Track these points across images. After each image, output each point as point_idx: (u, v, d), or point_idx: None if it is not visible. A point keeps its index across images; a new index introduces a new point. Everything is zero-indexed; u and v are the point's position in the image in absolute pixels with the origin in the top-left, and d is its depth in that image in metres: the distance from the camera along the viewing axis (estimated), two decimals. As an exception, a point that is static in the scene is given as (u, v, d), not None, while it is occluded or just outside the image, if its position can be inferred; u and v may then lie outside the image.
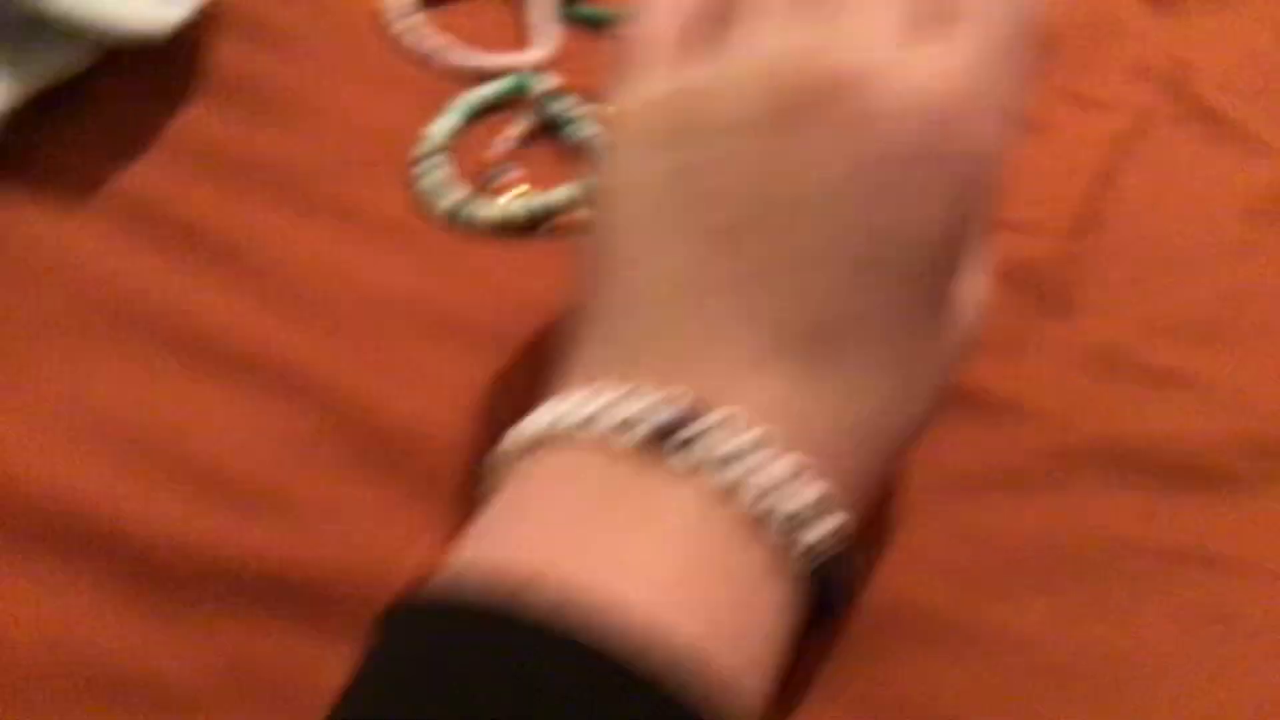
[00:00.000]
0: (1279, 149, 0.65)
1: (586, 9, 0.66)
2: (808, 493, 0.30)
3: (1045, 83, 0.68)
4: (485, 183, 0.55)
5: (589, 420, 0.30)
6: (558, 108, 0.59)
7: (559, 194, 0.54)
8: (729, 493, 0.30)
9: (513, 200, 0.54)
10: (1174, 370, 0.52)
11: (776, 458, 0.30)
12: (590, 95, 0.60)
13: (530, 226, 0.53)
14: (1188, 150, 0.65)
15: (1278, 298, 0.56)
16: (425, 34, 0.61)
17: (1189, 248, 0.59)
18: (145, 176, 0.52)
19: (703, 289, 0.32)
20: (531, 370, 0.38)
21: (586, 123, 0.58)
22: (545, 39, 0.63)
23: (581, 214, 0.54)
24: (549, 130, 0.59)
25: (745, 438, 0.30)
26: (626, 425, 0.30)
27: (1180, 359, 0.53)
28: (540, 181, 0.56)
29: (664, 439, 0.30)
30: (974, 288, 0.39)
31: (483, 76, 0.60)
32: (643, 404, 0.30)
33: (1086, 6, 0.75)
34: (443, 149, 0.56)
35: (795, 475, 0.30)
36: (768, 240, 0.32)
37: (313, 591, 0.41)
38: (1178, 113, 0.67)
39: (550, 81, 0.60)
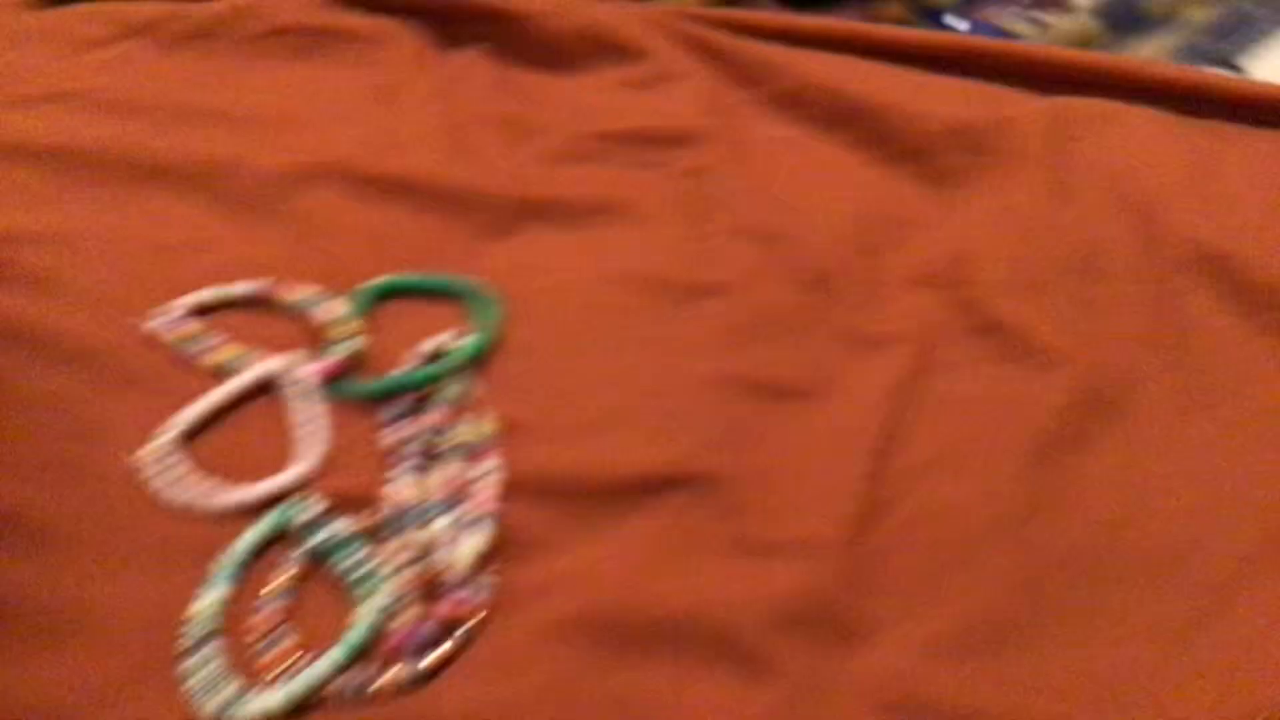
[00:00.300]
0: (1063, 355, 0.61)
1: (355, 385, 0.65)
2: None
3: (820, 325, 0.65)
4: (254, 661, 0.53)
5: None
6: (323, 537, 0.57)
7: (322, 666, 0.53)
8: None
9: (276, 689, 0.52)
10: (962, 709, 0.49)
11: None
12: (360, 500, 0.59)
13: (299, 710, 0.52)
14: (975, 381, 0.62)
15: (1069, 566, 0.53)
16: (186, 480, 0.60)
17: (973, 520, 0.56)
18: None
19: None
20: None
21: (352, 548, 0.57)
22: (311, 443, 0.62)
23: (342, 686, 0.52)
24: (319, 561, 0.57)
25: None
26: None
27: (972, 686, 0.50)
28: (315, 632, 0.54)
29: None
30: None
31: (257, 504, 0.59)
32: None
33: (865, 200, 0.72)
34: (210, 631, 0.54)
35: None
36: None
37: None
38: (964, 328, 0.64)
39: (312, 508, 0.58)
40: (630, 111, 0.79)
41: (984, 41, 0.80)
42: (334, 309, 0.68)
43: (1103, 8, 1.44)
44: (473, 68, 0.88)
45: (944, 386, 0.61)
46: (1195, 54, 1.28)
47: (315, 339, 0.67)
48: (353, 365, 0.66)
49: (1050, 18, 1.71)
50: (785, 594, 0.53)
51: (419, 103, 0.83)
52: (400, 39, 0.89)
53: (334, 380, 0.65)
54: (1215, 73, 0.77)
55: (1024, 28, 1.78)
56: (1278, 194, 0.68)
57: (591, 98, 0.82)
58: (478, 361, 0.65)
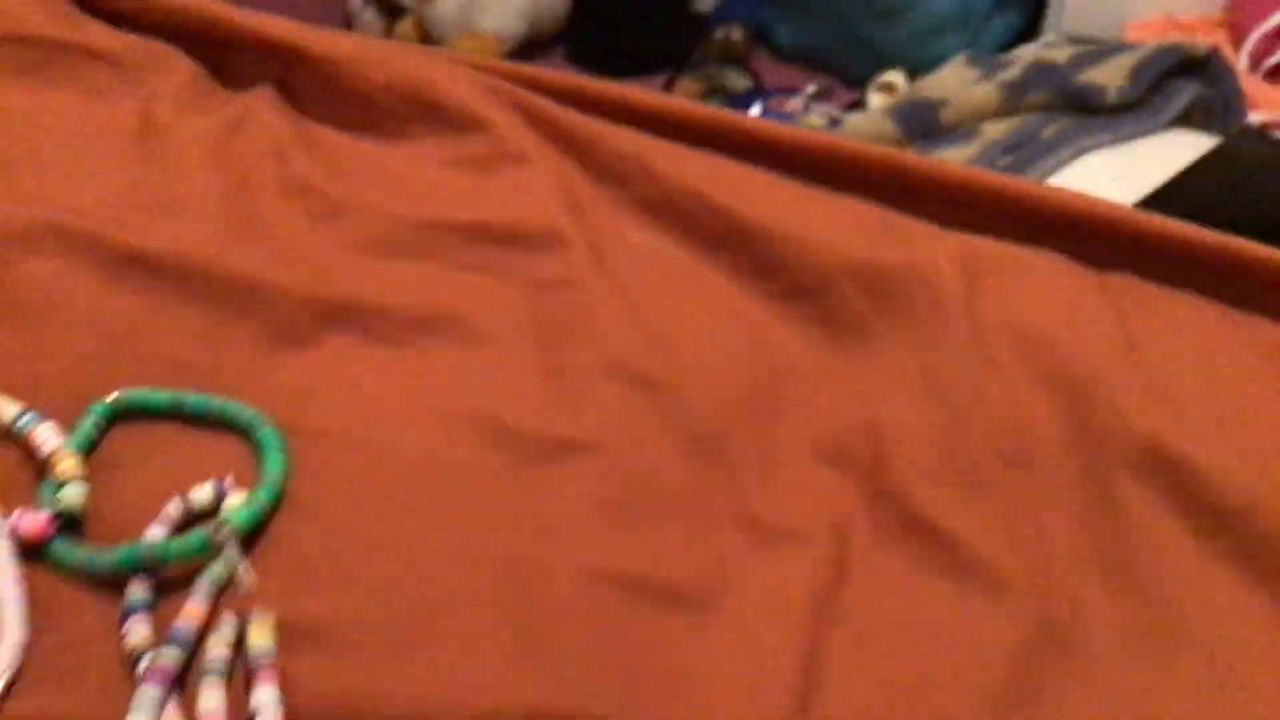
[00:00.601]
0: (1008, 576, 0.49)
1: (73, 553, 0.45)
2: None
3: (713, 506, 0.51)
4: None
5: None
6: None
7: None
8: None
9: None
10: None
11: None
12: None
13: None
14: (907, 602, 0.49)
15: None
16: None
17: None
18: None
19: None
20: None
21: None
22: (2, 640, 0.42)
23: None
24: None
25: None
26: None
27: None
28: None
29: None
30: None
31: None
32: None
33: (756, 343, 0.59)
34: None
35: None
36: None
37: None
38: (884, 527, 0.51)
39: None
40: (467, 197, 0.63)
41: (874, 151, 0.69)
42: (46, 437, 0.49)
43: (898, 111, 1.39)
44: (262, 114, 0.69)
45: (869, 605, 0.48)
46: (988, 167, 1.25)
47: (15, 481, 0.47)
48: (70, 524, 0.46)
49: (842, 114, 1.67)
50: None
51: (192, 154, 0.64)
52: (172, 66, 0.70)
53: (41, 545, 0.45)
54: (1122, 207, 0.69)
55: (817, 121, 1.73)
56: (1218, 380, 0.59)
57: (415, 174, 0.66)
58: (254, 529, 0.47)
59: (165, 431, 0.51)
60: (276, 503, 0.48)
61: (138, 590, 0.45)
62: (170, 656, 0.42)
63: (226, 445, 0.51)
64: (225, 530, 0.46)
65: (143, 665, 0.42)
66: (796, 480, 0.53)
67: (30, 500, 0.47)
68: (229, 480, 0.48)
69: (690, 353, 0.57)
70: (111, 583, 0.45)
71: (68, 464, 0.48)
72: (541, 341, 0.56)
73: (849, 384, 0.57)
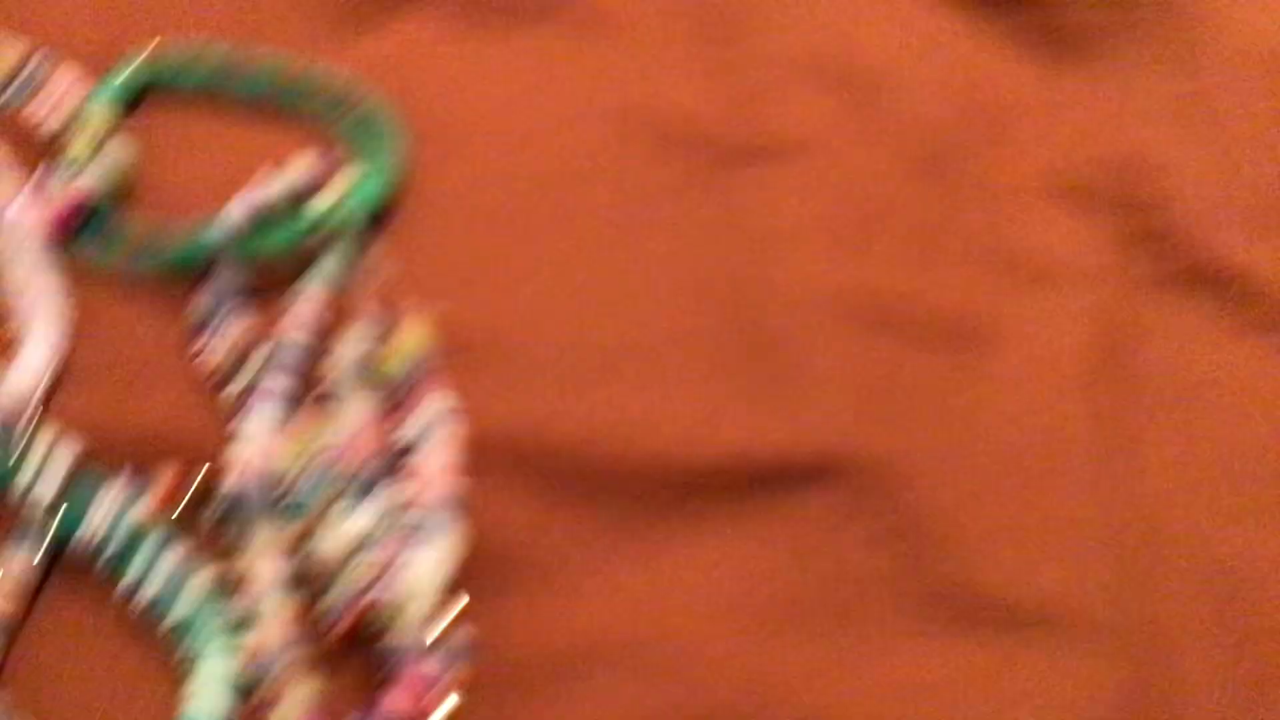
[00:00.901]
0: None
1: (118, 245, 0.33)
2: None
3: (949, 234, 0.40)
4: None
5: None
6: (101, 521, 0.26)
7: None
8: None
9: None
10: None
11: None
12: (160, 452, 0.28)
13: None
14: (1210, 353, 0.39)
15: None
16: None
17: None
18: None
19: None
20: None
21: (165, 551, 0.26)
22: (39, 332, 0.30)
23: None
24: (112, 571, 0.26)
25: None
26: None
27: None
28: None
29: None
30: None
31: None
32: None
33: (958, 77, 0.47)
34: None
35: None
36: None
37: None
38: (1160, 273, 0.41)
39: (54, 456, 0.27)
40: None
41: None
42: (66, 94, 0.36)
43: None
44: None
45: (1164, 361, 0.39)
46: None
47: (37, 153, 0.35)
48: (106, 209, 0.34)
49: None
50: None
51: None
52: None
53: (66, 236, 0.33)
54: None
55: None
56: None
57: None
58: (374, 218, 0.35)
59: (214, 108, 0.38)
60: (395, 186, 0.36)
61: (220, 290, 0.32)
62: (285, 365, 0.30)
63: (303, 131, 0.38)
64: (341, 212, 0.33)
65: (238, 382, 0.30)
66: (1040, 214, 0.42)
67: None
68: (336, 153, 0.36)
69: (884, 64, 0.45)
70: (171, 286, 0.32)
71: (96, 123, 0.34)
72: (699, 32, 0.44)
73: (1089, 110, 0.46)
